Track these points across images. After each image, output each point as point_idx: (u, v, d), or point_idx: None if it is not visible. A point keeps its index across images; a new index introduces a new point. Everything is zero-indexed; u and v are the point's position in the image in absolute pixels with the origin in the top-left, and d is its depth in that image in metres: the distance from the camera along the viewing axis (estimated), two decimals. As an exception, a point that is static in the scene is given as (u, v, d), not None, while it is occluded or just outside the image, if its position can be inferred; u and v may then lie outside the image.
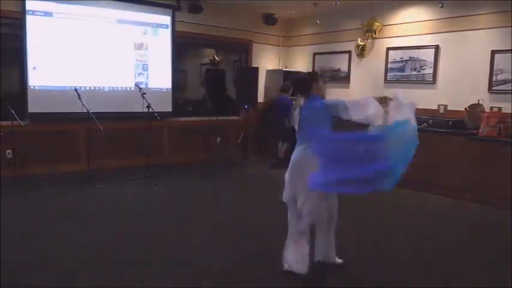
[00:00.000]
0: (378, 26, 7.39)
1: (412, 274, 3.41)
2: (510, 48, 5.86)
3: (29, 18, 6.13)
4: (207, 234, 4.18)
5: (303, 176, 3.09)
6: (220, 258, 3.58)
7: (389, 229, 4.53)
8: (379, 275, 3.37)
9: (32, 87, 6.25)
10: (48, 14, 6.30)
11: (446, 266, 3.58)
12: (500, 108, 5.94)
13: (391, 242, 4.16)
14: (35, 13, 6.19)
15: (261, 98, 8.76)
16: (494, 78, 6.05)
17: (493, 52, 6.04)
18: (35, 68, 6.25)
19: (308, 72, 3.57)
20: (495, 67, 6.03)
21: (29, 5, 6.11)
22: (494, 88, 6.06)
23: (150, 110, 6.17)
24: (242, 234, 4.20)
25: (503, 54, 5.94)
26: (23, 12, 6.07)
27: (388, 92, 4.26)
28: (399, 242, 4.16)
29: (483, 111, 5.94)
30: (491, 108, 6.00)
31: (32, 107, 6.25)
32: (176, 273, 3.27)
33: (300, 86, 3.45)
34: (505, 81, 5.95)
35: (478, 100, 6.05)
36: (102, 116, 6.16)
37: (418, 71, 6.94)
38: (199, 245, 3.87)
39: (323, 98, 3.43)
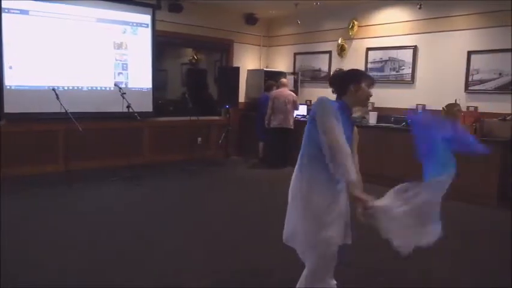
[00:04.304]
0: (355, 25, 7.50)
1: (412, 274, 3.41)
2: (486, 49, 6.01)
3: (4, 16, 5.98)
4: (189, 234, 4.17)
5: None
6: (204, 258, 3.57)
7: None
8: (378, 275, 3.37)
9: (8, 87, 6.11)
10: (24, 12, 6.16)
11: (446, 266, 3.60)
12: (476, 108, 6.09)
13: (388, 243, 4.17)
14: (11, 11, 6.05)
15: (242, 98, 8.78)
16: (470, 78, 6.20)
17: (469, 53, 6.18)
18: (11, 68, 6.10)
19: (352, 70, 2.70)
20: (471, 67, 6.18)
21: (4, 3, 5.96)
22: (470, 88, 6.20)
23: (130, 110, 6.09)
24: (224, 233, 4.20)
25: (479, 55, 6.10)
26: (-2, 10, 5.94)
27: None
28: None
29: (460, 110, 6.07)
30: (468, 107, 6.14)
31: (8, 107, 6.10)
32: (160, 274, 3.25)
33: (335, 83, 2.56)
34: (480, 81, 6.10)
35: (455, 99, 6.19)
36: (81, 116, 6.05)
37: (397, 71, 7.05)
38: (181, 245, 3.85)
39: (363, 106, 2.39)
